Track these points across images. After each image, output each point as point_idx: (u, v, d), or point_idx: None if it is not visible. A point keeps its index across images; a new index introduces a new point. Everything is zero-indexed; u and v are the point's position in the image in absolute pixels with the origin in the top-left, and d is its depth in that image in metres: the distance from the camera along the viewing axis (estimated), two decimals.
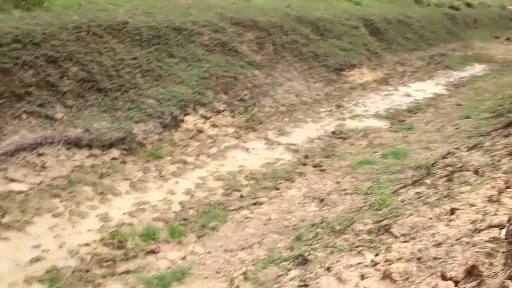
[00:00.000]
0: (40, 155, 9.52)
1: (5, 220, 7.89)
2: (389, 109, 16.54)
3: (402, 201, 6.84)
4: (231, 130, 12.98)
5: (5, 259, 7.17)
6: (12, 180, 8.80)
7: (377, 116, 15.69)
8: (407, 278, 4.52)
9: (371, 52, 21.46)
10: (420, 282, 4.35)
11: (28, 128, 9.87)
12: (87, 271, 7.01)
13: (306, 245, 6.75)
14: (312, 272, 5.54)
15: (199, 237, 8.05)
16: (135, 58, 12.67)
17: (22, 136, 9.61)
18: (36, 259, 7.21)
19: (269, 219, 8.46)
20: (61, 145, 9.87)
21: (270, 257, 6.90)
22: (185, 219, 8.57)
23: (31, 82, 10.41)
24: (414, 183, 7.87)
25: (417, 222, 5.67)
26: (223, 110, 13.49)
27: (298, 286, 5.40)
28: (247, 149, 12.11)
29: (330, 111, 15.92)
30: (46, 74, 10.70)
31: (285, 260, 6.55)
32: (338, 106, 16.40)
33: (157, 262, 7.29)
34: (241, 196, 9.59)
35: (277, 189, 9.85)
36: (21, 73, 10.32)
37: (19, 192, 8.59)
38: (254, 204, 9.19)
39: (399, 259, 4.93)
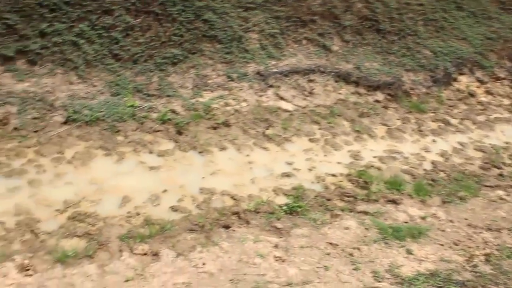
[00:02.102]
0: (310, 81, 9.97)
1: (268, 132, 8.60)
2: None
3: None
4: (506, 101, 11.70)
5: (262, 166, 7.86)
6: (282, 98, 9.46)
7: None
8: None
9: None
10: None
11: (305, 54, 10.35)
12: (329, 199, 7.25)
13: None
14: None
15: (444, 202, 7.64)
16: (421, 5, 12.10)
17: (299, 60, 10.14)
18: (287, 175, 7.73)
19: None
20: (331, 76, 10.16)
21: None
22: (433, 180, 8.19)
23: (317, 11, 10.76)
24: None
25: None
26: (503, 78, 12.18)
27: None
28: None
29: None
30: (332, 5, 10.93)
31: None
32: None
33: (396, 213, 7.17)
34: (500, 175, 8.75)
35: None
36: (310, 1, 10.72)
37: (285, 111, 9.22)
38: None
39: None
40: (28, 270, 5.33)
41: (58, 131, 7.66)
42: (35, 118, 7.75)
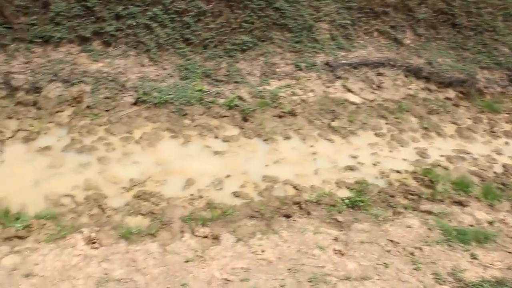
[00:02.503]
0: (379, 74, 9.78)
1: (334, 123, 8.54)
2: None
3: None
4: None
5: (325, 157, 7.82)
6: (349, 91, 9.34)
7: None
8: None
9: None
10: None
11: (376, 46, 10.15)
12: (392, 196, 7.13)
13: None
14: None
15: None
16: None
17: (369, 52, 9.96)
18: (351, 168, 7.66)
19: None
20: (401, 70, 9.93)
21: None
22: (504, 184, 7.85)
23: (391, 3, 10.48)
24: None
25: None
26: None
27: None
28: None
29: None
30: None
31: None
32: None
33: (462, 215, 6.93)
34: None
35: None
36: None
37: (352, 103, 9.10)
38: None
39: None
40: (94, 243, 5.57)
41: (128, 111, 7.91)
42: (107, 98, 8.05)
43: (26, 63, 8.13)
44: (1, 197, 6.10)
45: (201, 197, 6.61)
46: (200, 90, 8.41)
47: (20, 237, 5.55)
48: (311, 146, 7.96)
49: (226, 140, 7.75)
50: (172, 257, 5.51)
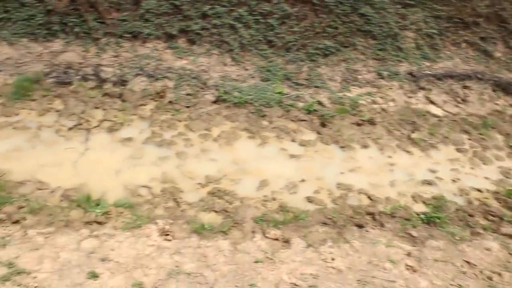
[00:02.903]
0: (465, 87, 9.41)
1: (414, 135, 8.29)
2: None
3: None
4: None
5: (402, 169, 7.62)
6: (432, 102, 9.05)
7: None
8: None
9: None
10: None
11: (463, 58, 9.77)
12: (471, 215, 6.84)
13: None
14: None
15: None
16: None
17: (455, 64, 9.60)
18: (428, 182, 7.42)
19: None
20: (489, 84, 9.51)
21: None
22: None
23: (483, 13, 10.04)
24: None
25: None
26: None
27: None
28: None
29: None
30: (501, 8, 10.10)
31: None
32: None
33: None
34: None
35: None
36: (476, 2, 10.03)
37: (434, 116, 8.81)
38: None
39: None
40: (168, 235, 5.73)
41: (208, 109, 8.07)
42: (188, 94, 8.25)
43: (115, 56, 8.49)
44: (84, 183, 6.40)
45: (274, 199, 6.63)
46: (280, 93, 8.44)
47: (99, 223, 5.80)
48: (389, 156, 7.79)
49: (303, 144, 7.72)
50: (242, 256, 5.57)
